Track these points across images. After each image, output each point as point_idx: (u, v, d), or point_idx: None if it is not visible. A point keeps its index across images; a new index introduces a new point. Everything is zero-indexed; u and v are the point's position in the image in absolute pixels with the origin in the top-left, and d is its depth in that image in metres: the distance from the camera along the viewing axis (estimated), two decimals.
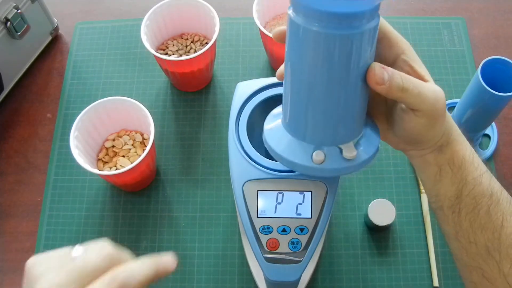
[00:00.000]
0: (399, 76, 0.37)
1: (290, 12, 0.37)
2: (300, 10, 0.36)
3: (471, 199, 0.42)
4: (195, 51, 0.72)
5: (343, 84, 0.38)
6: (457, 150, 0.42)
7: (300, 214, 0.50)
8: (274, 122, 0.45)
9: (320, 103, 0.39)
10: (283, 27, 0.40)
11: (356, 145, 0.42)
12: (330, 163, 0.41)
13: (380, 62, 0.40)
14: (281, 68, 0.43)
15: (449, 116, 0.42)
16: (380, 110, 0.44)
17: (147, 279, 0.34)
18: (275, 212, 0.50)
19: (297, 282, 0.53)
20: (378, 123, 0.45)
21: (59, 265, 0.34)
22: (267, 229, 0.50)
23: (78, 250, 0.35)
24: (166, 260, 0.36)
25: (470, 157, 0.42)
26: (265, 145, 0.44)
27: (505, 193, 0.43)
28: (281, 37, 0.41)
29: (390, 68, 0.38)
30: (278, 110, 0.46)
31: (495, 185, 0.43)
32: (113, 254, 0.35)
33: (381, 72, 0.37)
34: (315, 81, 0.37)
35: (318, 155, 0.40)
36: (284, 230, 0.50)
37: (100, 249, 0.35)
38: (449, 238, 0.45)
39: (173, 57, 0.67)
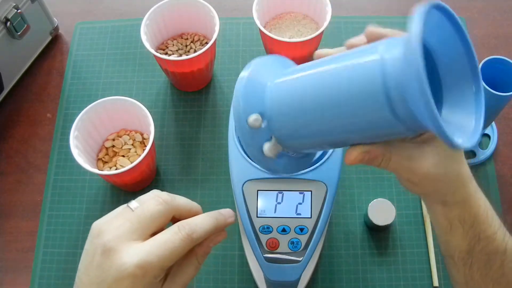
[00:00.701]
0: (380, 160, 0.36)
1: (380, 77, 0.31)
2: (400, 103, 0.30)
3: (484, 255, 0.41)
4: (195, 51, 0.72)
5: (348, 134, 0.35)
6: (468, 208, 0.40)
7: (300, 214, 0.50)
8: (272, 71, 0.39)
9: (314, 122, 0.36)
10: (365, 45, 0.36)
11: (284, 152, 0.39)
12: (253, 138, 0.37)
13: None
14: (322, 54, 0.39)
15: (459, 175, 0.39)
16: None
17: (209, 231, 0.38)
18: (275, 212, 0.51)
19: (297, 282, 0.53)
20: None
21: (121, 218, 0.38)
22: (267, 229, 0.50)
23: (134, 203, 0.39)
24: (226, 213, 0.41)
25: (484, 215, 0.40)
26: (241, 75, 0.38)
27: None
28: (372, 38, 0.37)
29: (373, 152, 0.36)
30: (287, 68, 0.40)
31: (510, 241, 0.41)
32: (168, 200, 0.39)
33: (360, 158, 0.36)
34: (330, 116, 0.34)
35: (254, 120, 0.36)
36: (284, 230, 0.50)
37: (155, 197, 0.39)
38: (457, 285, 0.44)
39: (173, 57, 0.67)
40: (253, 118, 0.36)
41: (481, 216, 0.40)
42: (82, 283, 0.37)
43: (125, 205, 0.40)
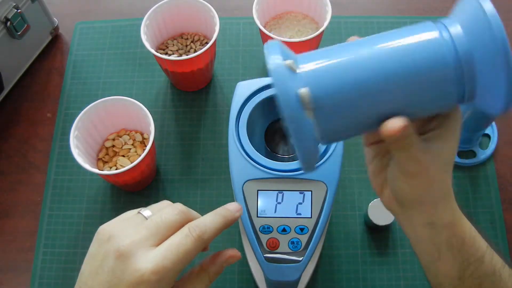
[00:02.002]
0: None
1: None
2: None
3: (475, 279, 0.40)
4: (195, 51, 0.72)
5: None
6: (455, 232, 0.39)
7: (300, 214, 0.50)
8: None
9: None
10: None
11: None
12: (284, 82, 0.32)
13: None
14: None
15: (449, 190, 0.39)
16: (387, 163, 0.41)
17: (219, 230, 0.39)
18: (275, 211, 0.51)
19: (297, 282, 0.53)
20: (378, 174, 0.41)
21: (134, 224, 0.38)
22: (267, 229, 0.50)
23: (147, 212, 0.39)
24: (232, 208, 0.42)
25: (471, 239, 0.40)
26: None
27: (506, 268, 0.41)
28: None
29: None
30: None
31: (498, 262, 0.41)
32: (184, 210, 0.39)
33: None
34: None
35: (290, 63, 0.32)
36: (284, 230, 0.50)
37: (173, 207, 0.40)
38: None
39: (173, 57, 0.67)
40: (290, 62, 0.33)
41: (468, 240, 0.39)
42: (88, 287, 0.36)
43: (136, 211, 0.40)
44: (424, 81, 0.33)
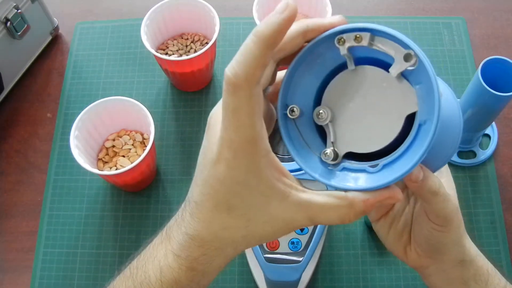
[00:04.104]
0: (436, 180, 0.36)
1: None
2: None
3: None
4: (195, 51, 0.72)
5: None
6: (480, 265, 0.41)
7: None
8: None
9: None
10: None
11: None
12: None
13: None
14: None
15: (467, 237, 0.41)
16: (406, 223, 0.43)
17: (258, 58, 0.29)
18: None
19: (297, 282, 0.53)
20: (400, 239, 0.43)
21: None
22: None
23: None
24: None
25: (493, 270, 0.42)
26: None
27: None
28: None
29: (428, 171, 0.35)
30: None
31: None
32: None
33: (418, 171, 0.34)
34: None
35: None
36: None
37: None
38: None
39: (173, 57, 0.67)
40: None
41: (491, 271, 0.41)
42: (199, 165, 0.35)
43: None
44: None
